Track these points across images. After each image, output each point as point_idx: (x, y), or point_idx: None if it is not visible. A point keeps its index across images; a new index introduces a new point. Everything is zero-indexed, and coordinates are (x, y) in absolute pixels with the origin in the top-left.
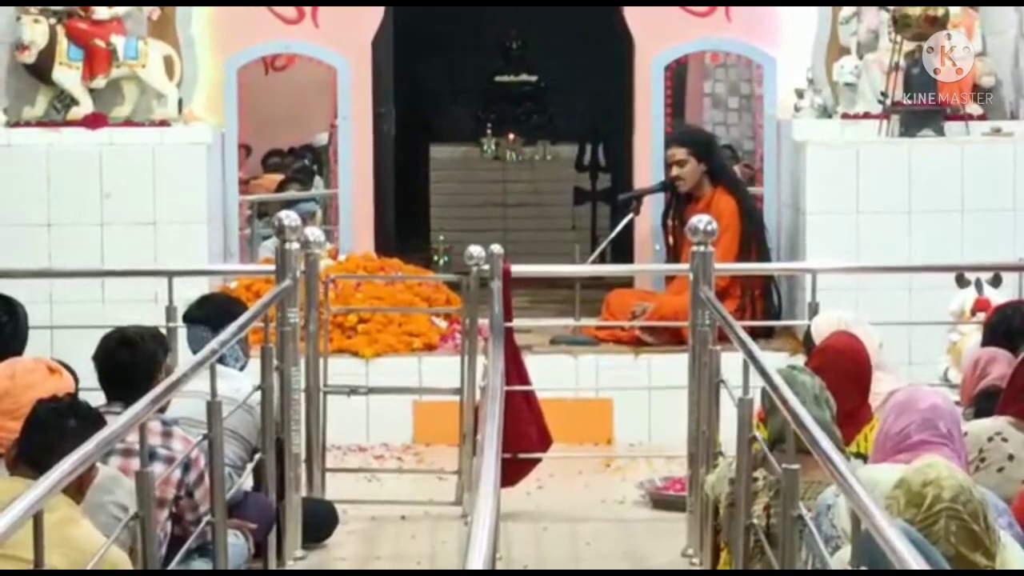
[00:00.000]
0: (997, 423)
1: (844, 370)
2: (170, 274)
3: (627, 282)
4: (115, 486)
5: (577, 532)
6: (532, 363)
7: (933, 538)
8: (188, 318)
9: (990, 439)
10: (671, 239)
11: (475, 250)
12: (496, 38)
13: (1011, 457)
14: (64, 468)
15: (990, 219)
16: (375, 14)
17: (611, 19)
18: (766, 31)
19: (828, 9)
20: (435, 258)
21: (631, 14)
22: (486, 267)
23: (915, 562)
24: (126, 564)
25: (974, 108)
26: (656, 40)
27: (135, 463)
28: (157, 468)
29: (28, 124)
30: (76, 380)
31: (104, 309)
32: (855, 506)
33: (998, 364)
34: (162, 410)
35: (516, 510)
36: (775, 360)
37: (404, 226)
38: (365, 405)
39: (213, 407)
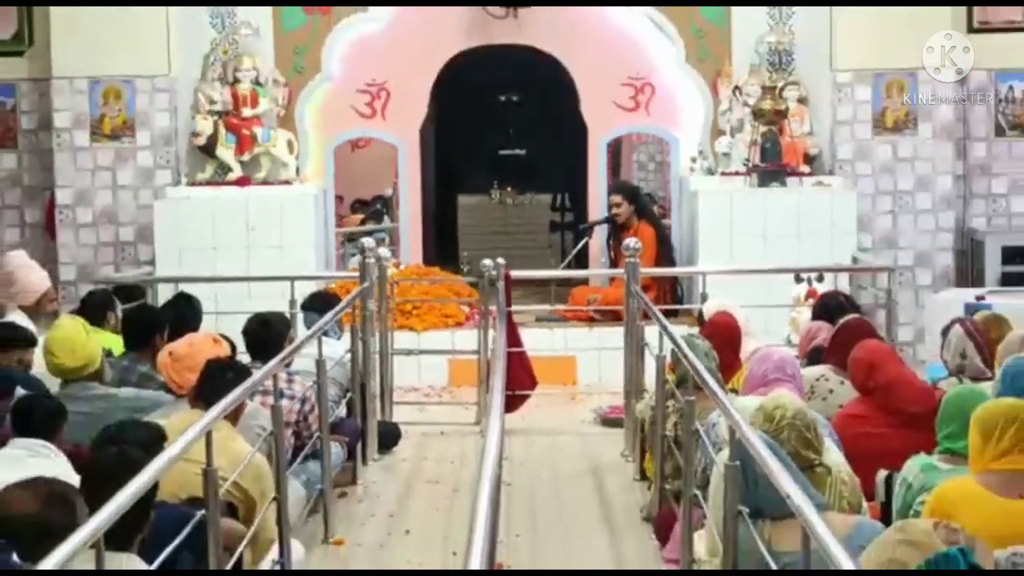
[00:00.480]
0: (822, 369)
1: (724, 337)
2: (292, 279)
3: (584, 281)
4: (258, 415)
5: (554, 442)
6: (524, 334)
7: (780, 442)
8: (303, 307)
9: (817, 379)
10: (612, 254)
11: (487, 262)
12: (500, 126)
13: (831, 391)
14: (225, 403)
15: (815, 239)
16: (422, 110)
17: (574, 111)
18: (672, 120)
19: (711, 103)
20: (462, 267)
21: (586, 108)
22: (494, 272)
23: (770, 458)
24: (265, 465)
25: (805, 168)
26: (602, 127)
27: (270, 400)
28: (284, 403)
29: (200, 184)
30: (233, 347)
31: (250, 302)
32: (731, 423)
33: (823, 332)
34: (288, 366)
35: (515, 427)
36: (680, 331)
37: (442, 247)
38: (418, 362)
39: (320, 364)
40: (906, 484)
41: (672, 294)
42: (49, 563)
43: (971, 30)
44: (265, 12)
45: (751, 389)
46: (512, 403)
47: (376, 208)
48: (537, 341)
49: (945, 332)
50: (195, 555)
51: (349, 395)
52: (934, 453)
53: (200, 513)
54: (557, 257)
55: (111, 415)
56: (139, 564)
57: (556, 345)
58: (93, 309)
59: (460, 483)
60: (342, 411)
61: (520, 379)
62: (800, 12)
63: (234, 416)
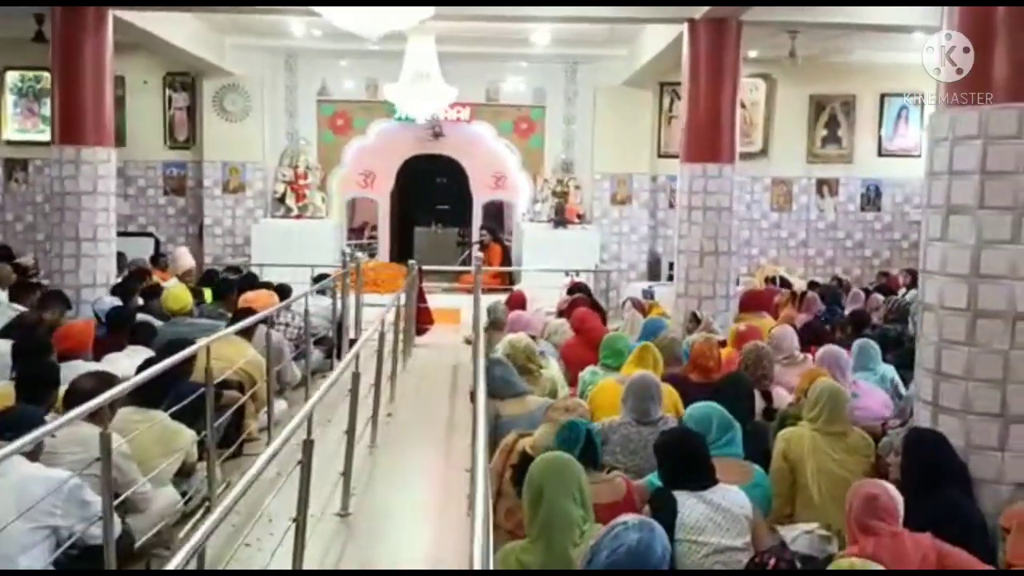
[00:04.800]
0: (561, 320)
1: (517, 301)
2: (312, 266)
3: (465, 272)
4: (273, 336)
5: (443, 351)
6: (434, 297)
7: (514, 358)
8: (313, 280)
9: (557, 327)
10: (487, 256)
11: (412, 261)
12: (435, 193)
13: (563, 332)
14: (233, 329)
15: (579, 255)
16: (390, 184)
17: (467, 188)
18: (514, 194)
19: (533, 187)
20: (410, 263)
21: (473, 186)
22: (415, 267)
23: (498, 365)
24: (260, 360)
25: (577, 220)
26: (480, 196)
27: (285, 318)
28: (280, 329)
29: (277, 217)
30: (283, 296)
31: (294, 276)
32: (475, 347)
33: (566, 302)
34: (288, 308)
35: (422, 343)
36: (500, 298)
37: (405, 253)
38: (397, 308)
39: (307, 308)
40: (583, 381)
41: (508, 279)
42: (90, 404)
43: (660, 155)
44: (313, 131)
45: (514, 330)
46: (419, 331)
47: (366, 233)
48: (440, 301)
49: (623, 304)
50: (196, 410)
51: (332, 327)
52: (598, 365)
53: (202, 388)
54: (458, 259)
55: (191, 333)
56: (162, 416)
57: (450, 303)
58: (211, 280)
59: (385, 371)
60: (329, 334)
61: (425, 319)
62: (578, 141)
63: (247, 335)
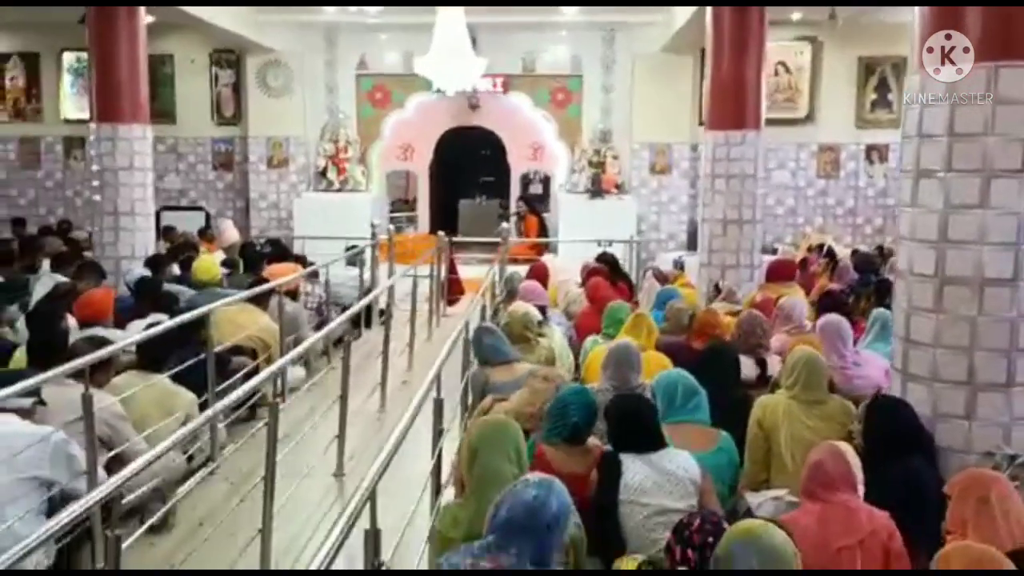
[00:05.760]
0: (579, 290)
1: (539, 272)
2: (347, 238)
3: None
4: (295, 303)
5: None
6: (469, 268)
7: (511, 325)
8: (345, 250)
9: (576, 296)
10: (524, 228)
11: (441, 233)
12: (480, 164)
13: (579, 302)
14: (244, 295)
15: (615, 226)
16: (429, 156)
17: (505, 159)
18: (552, 165)
19: (571, 157)
20: (439, 235)
21: (510, 158)
22: (445, 239)
23: (485, 333)
24: (274, 328)
25: (614, 190)
26: (517, 168)
27: (306, 288)
28: (306, 295)
29: (319, 191)
30: (305, 265)
31: (331, 250)
32: (478, 319)
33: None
34: (315, 275)
35: (453, 312)
36: (522, 268)
37: (451, 225)
38: (414, 279)
39: (327, 279)
40: (584, 349)
41: (545, 250)
42: (71, 364)
43: (701, 124)
44: (352, 105)
45: (525, 299)
46: (451, 302)
47: (405, 204)
48: (477, 272)
49: (643, 274)
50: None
51: (364, 295)
52: (600, 335)
53: (203, 355)
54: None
55: (215, 300)
56: (161, 379)
57: (484, 273)
58: (244, 252)
59: (418, 332)
60: (357, 304)
61: (456, 290)
62: (616, 111)
63: (262, 301)
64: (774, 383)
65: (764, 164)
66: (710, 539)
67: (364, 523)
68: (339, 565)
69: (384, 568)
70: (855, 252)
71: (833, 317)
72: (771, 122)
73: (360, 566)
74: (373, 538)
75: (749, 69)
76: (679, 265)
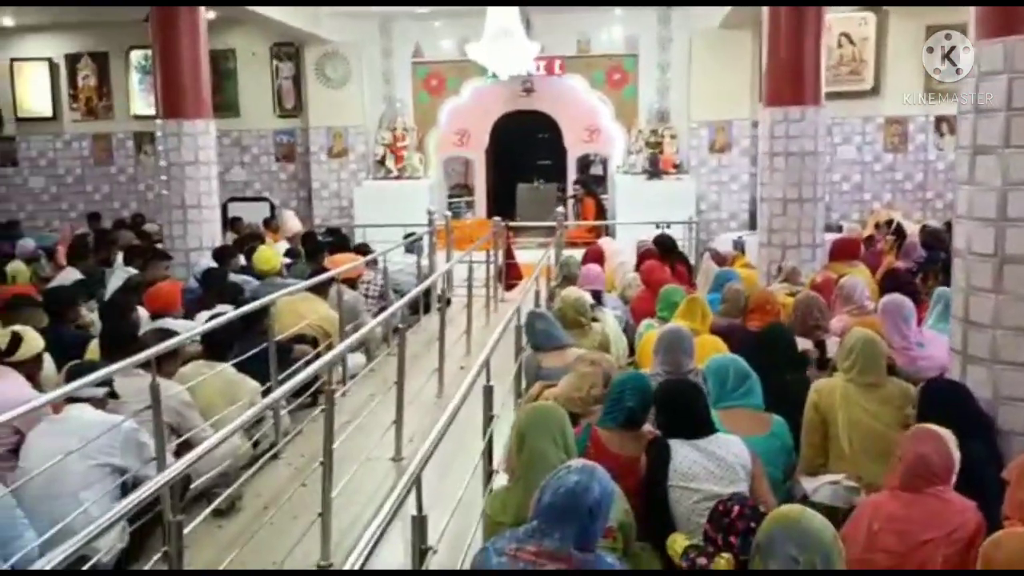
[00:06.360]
0: (634, 274)
1: (594, 255)
2: (406, 225)
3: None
4: (354, 292)
5: (528, 306)
6: (527, 253)
7: (564, 312)
8: (404, 237)
9: (631, 280)
10: (581, 211)
11: (496, 218)
12: (536, 147)
13: (635, 287)
14: (305, 284)
15: (675, 207)
16: (485, 142)
17: (561, 142)
18: (608, 147)
19: (627, 139)
20: (495, 220)
21: (566, 141)
22: (500, 224)
23: (539, 319)
24: (335, 317)
25: (672, 171)
26: (573, 150)
27: (367, 275)
28: (366, 283)
29: (379, 179)
30: (364, 253)
31: (390, 237)
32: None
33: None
34: (374, 263)
35: (511, 297)
36: (577, 252)
37: (510, 209)
38: (470, 265)
39: (385, 266)
40: (638, 333)
41: (604, 232)
42: (138, 357)
43: (761, 100)
44: (408, 93)
45: (585, 284)
46: (509, 287)
47: (462, 190)
48: (536, 256)
49: (702, 255)
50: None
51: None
52: (655, 318)
53: (264, 344)
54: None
55: (277, 290)
56: (226, 368)
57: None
58: (307, 242)
59: (475, 318)
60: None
61: (514, 275)
62: (673, 90)
63: (322, 290)
64: (833, 366)
65: (828, 140)
66: (752, 524)
67: (412, 509)
68: (388, 550)
69: (430, 551)
70: (923, 228)
71: (895, 297)
72: (835, 95)
73: (409, 550)
74: (420, 524)
75: (808, 43)
76: (739, 246)
